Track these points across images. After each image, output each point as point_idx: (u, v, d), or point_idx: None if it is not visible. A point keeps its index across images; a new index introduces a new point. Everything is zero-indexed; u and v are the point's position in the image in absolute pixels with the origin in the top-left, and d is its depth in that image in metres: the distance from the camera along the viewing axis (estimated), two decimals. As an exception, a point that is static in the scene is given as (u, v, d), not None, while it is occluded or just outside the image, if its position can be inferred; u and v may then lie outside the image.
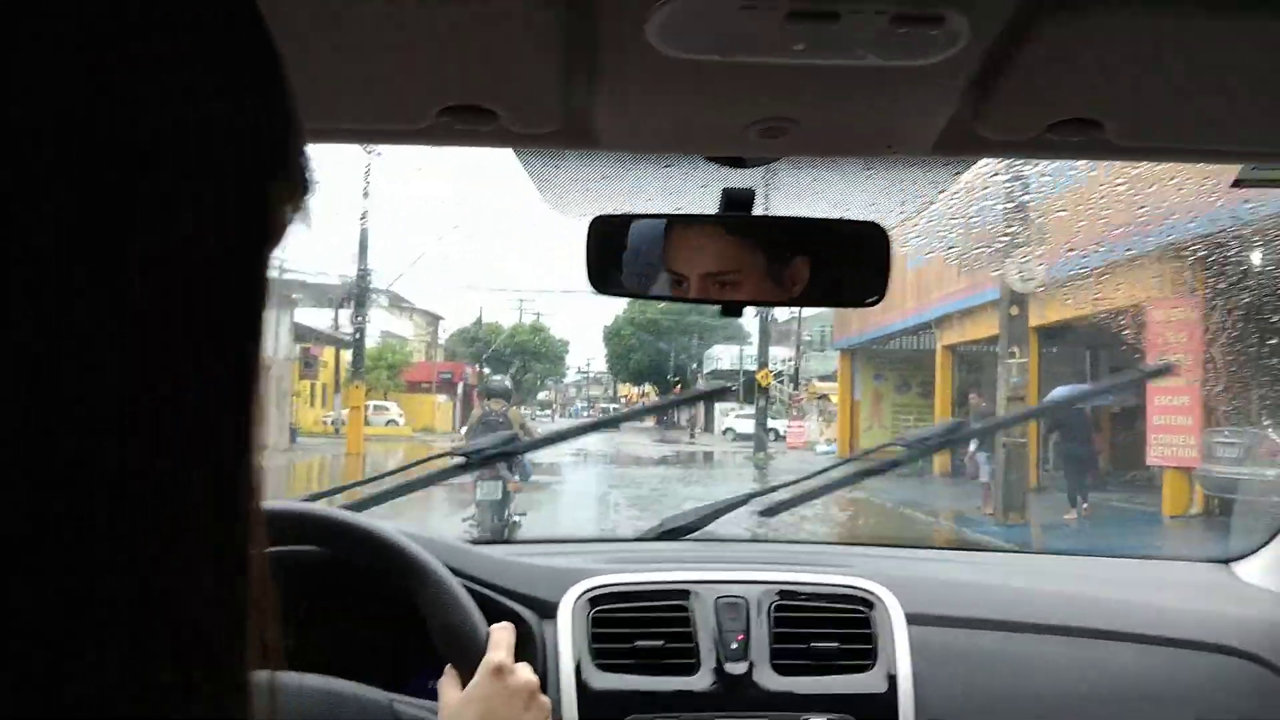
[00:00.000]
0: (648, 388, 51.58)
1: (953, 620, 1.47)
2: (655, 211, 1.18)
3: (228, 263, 0.35)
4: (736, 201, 1.09)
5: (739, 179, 1.08)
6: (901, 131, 0.93)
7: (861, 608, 1.44)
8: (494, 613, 1.28)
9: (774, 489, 1.96)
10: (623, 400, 55.81)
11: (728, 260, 1.12)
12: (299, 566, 1.34)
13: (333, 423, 29.62)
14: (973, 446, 12.86)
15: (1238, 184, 1.09)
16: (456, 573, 1.27)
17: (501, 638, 1.12)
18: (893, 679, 1.37)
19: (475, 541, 1.76)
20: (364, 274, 21.95)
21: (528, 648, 1.36)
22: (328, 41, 0.74)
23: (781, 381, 36.01)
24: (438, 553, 1.27)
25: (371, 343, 33.92)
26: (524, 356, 45.25)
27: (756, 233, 1.14)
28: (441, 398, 38.72)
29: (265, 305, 0.37)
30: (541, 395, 41.69)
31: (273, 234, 0.38)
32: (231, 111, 0.35)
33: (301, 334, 28.05)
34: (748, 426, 32.17)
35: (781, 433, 32.03)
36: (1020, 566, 1.86)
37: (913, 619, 1.43)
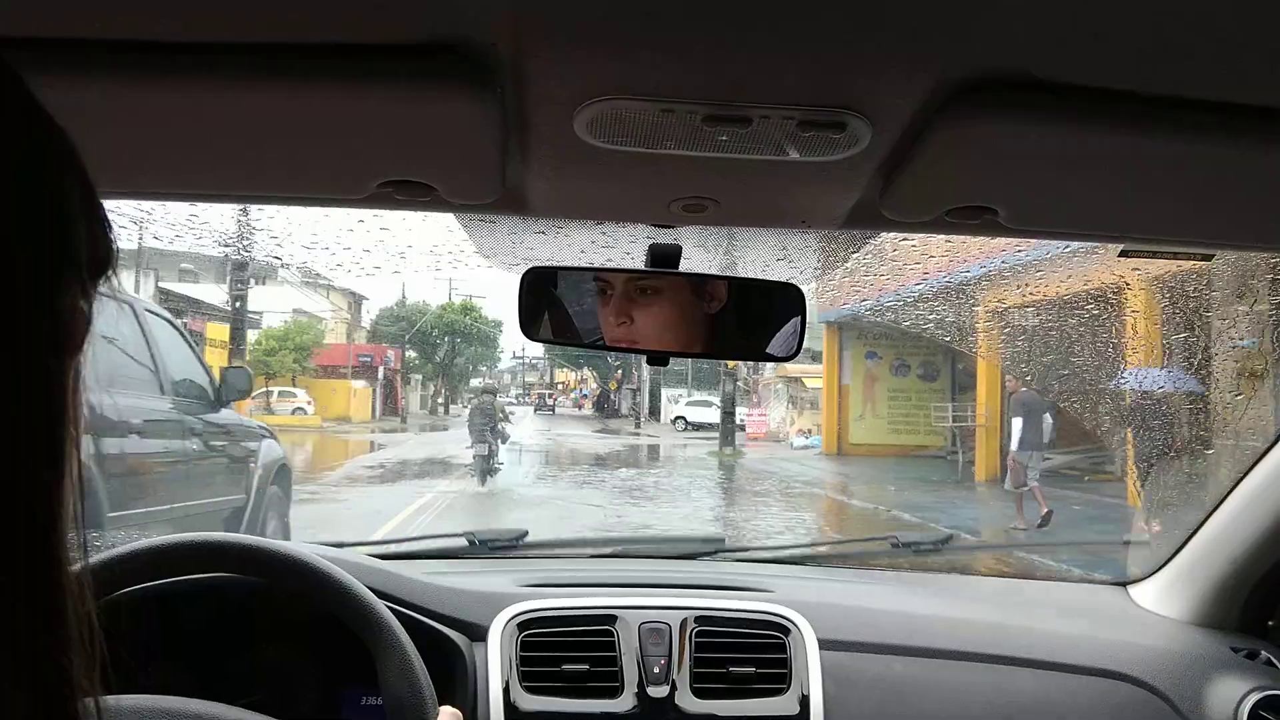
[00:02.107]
0: (587, 373, 48.08)
1: (864, 645, 1.54)
2: (585, 264, 1.22)
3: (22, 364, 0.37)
4: (662, 258, 1.14)
5: (666, 235, 1.14)
6: (813, 211, 1.00)
7: (778, 633, 1.51)
8: (425, 636, 1.33)
9: (743, 549, 2.10)
10: (559, 386, 52.27)
11: (652, 313, 1.16)
12: (220, 590, 1.36)
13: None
14: (1014, 445, 10.87)
15: (1124, 254, 1.17)
16: (388, 597, 1.31)
17: None
18: (805, 701, 1.44)
19: (411, 555, 1.78)
20: (245, 234, 20.52)
21: (458, 670, 1.42)
22: (280, 117, 0.78)
23: (736, 366, 33.90)
24: (368, 577, 1.29)
25: (280, 322, 31.71)
26: (453, 338, 41.23)
27: (681, 287, 1.17)
28: (359, 384, 34.65)
29: (71, 418, 0.39)
30: (475, 382, 38.08)
31: (68, 335, 0.40)
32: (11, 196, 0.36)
33: (179, 307, 23.51)
34: (701, 415, 30.16)
35: (739, 421, 27.77)
36: (936, 585, 1.93)
37: (826, 644, 1.50)
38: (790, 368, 24.76)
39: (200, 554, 1.24)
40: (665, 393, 36.02)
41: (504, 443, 14.44)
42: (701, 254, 1.25)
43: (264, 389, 28.21)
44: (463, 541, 1.93)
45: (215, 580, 1.33)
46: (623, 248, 1.23)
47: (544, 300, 1.18)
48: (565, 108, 0.75)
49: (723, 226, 1.11)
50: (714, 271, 1.28)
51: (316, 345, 33.69)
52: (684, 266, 1.16)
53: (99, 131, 0.74)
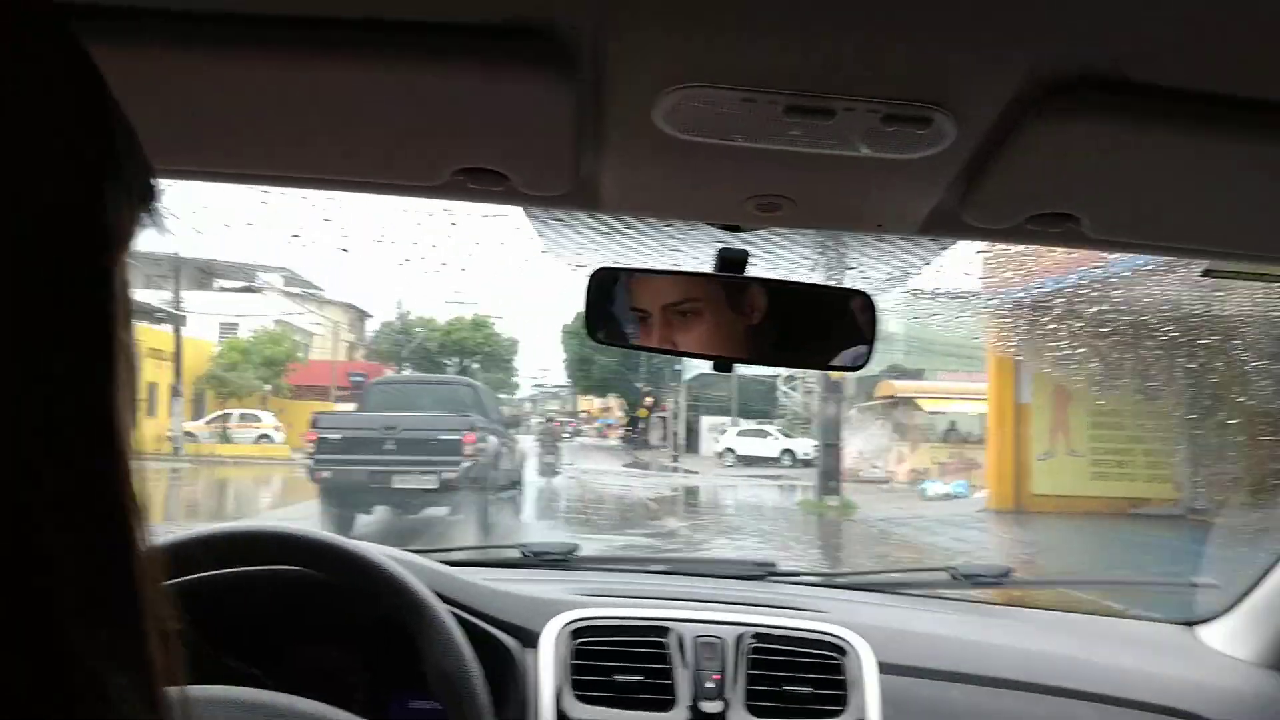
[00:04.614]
0: (612, 400, 42.39)
1: (922, 671, 1.51)
2: (653, 267, 1.22)
3: (67, 264, 0.37)
4: (731, 262, 1.13)
5: (736, 240, 1.12)
6: (890, 214, 0.98)
7: (835, 654, 1.48)
8: (478, 638, 1.32)
9: (795, 573, 1.98)
10: (583, 415, 47.37)
11: (719, 318, 1.15)
12: (279, 587, 1.38)
13: (172, 438, 21.95)
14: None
15: (1207, 274, 1.14)
16: (443, 598, 1.31)
17: None
18: None
19: (460, 563, 1.79)
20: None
21: (510, 675, 1.40)
22: (353, 96, 0.77)
23: (794, 389, 29.03)
24: (427, 578, 1.31)
25: (249, 332, 27.57)
26: (462, 357, 35.69)
27: (748, 293, 1.16)
28: (349, 407, 27.10)
29: (119, 309, 0.39)
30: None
31: (116, 238, 0.40)
32: (52, 122, 0.37)
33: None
34: (755, 447, 26.23)
35: (801, 454, 24.28)
36: (992, 616, 1.89)
37: (884, 668, 1.47)
38: (898, 385, 20.14)
39: (270, 546, 1.29)
40: (705, 421, 31.82)
41: (556, 472, 18.38)
42: (768, 261, 1.24)
43: (219, 411, 24.69)
44: (516, 553, 1.95)
45: (264, 573, 1.35)
46: (690, 252, 1.22)
47: (610, 301, 1.17)
48: (646, 95, 0.74)
49: (796, 229, 1.09)
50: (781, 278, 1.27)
51: (292, 360, 28.81)
52: (750, 273, 1.15)
53: (158, 108, 0.74)
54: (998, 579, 1.93)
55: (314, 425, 11.71)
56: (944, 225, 0.98)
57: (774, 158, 0.83)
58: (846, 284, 1.24)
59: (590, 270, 1.15)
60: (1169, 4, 0.61)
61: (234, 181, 0.98)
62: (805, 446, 24.58)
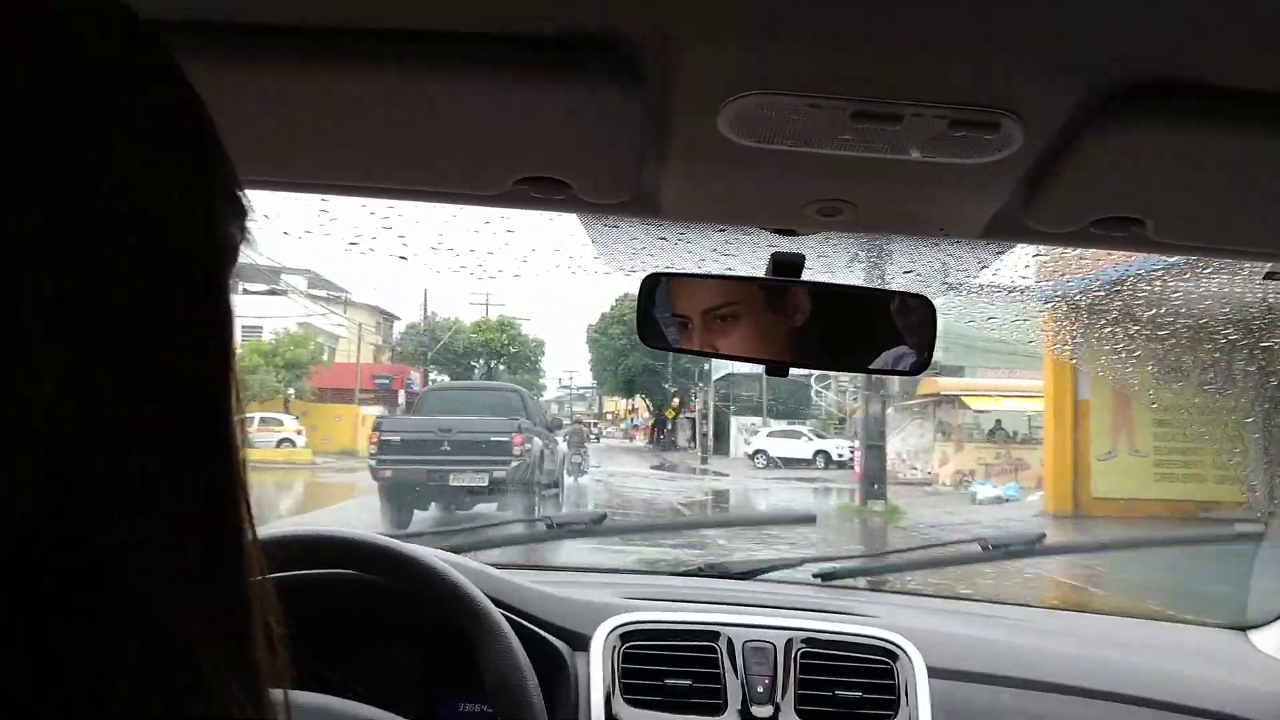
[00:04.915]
0: (638, 402, 41.89)
1: (973, 676, 1.50)
2: (705, 272, 1.22)
3: (191, 277, 0.39)
4: (786, 266, 1.13)
5: (789, 244, 1.12)
6: (953, 218, 0.98)
7: (886, 659, 1.47)
8: (529, 641, 1.33)
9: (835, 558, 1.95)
10: (609, 416, 47.44)
11: (772, 322, 1.15)
12: (329, 590, 1.39)
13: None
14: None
15: (1269, 277, 1.14)
16: (495, 601, 1.32)
17: None
18: None
19: (509, 566, 1.80)
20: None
21: (560, 678, 1.41)
22: (419, 113, 0.78)
23: (827, 388, 28.70)
24: (478, 582, 1.32)
25: (271, 335, 27.10)
26: (488, 358, 35.48)
27: (803, 297, 1.16)
28: (374, 410, 26.52)
29: (229, 319, 0.42)
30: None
31: (227, 252, 0.42)
32: (168, 154, 0.39)
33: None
34: (788, 448, 25.49)
35: (836, 455, 23.98)
36: (1041, 622, 1.88)
37: (935, 673, 1.46)
38: (941, 382, 19.05)
39: (332, 550, 1.31)
40: (734, 421, 30.99)
41: (585, 471, 18.61)
42: (821, 265, 1.23)
43: (240, 415, 24.74)
44: (541, 526, 2.00)
45: (324, 576, 1.36)
46: (744, 257, 1.22)
47: (663, 306, 1.17)
48: (711, 103, 0.74)
49: (857, 234, 1.09)
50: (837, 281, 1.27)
51: (315, 363, 28.30)
52: (805, 277, 1.14)
53: (222, 118, 0.75)
54: (1029, 547, 1.94)
55: (377, 429, 12.85)
56: (1007, 229, 0.98)
57: (836, 163, 0.83)
58: (901, 287, 1.23)
59: (642, 275, 1.16)
60: (1236, 6, 0.60)
61: (301, 191, 0.99)
62: (840, 447, 24.38)
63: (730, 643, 1.48)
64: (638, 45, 0.68)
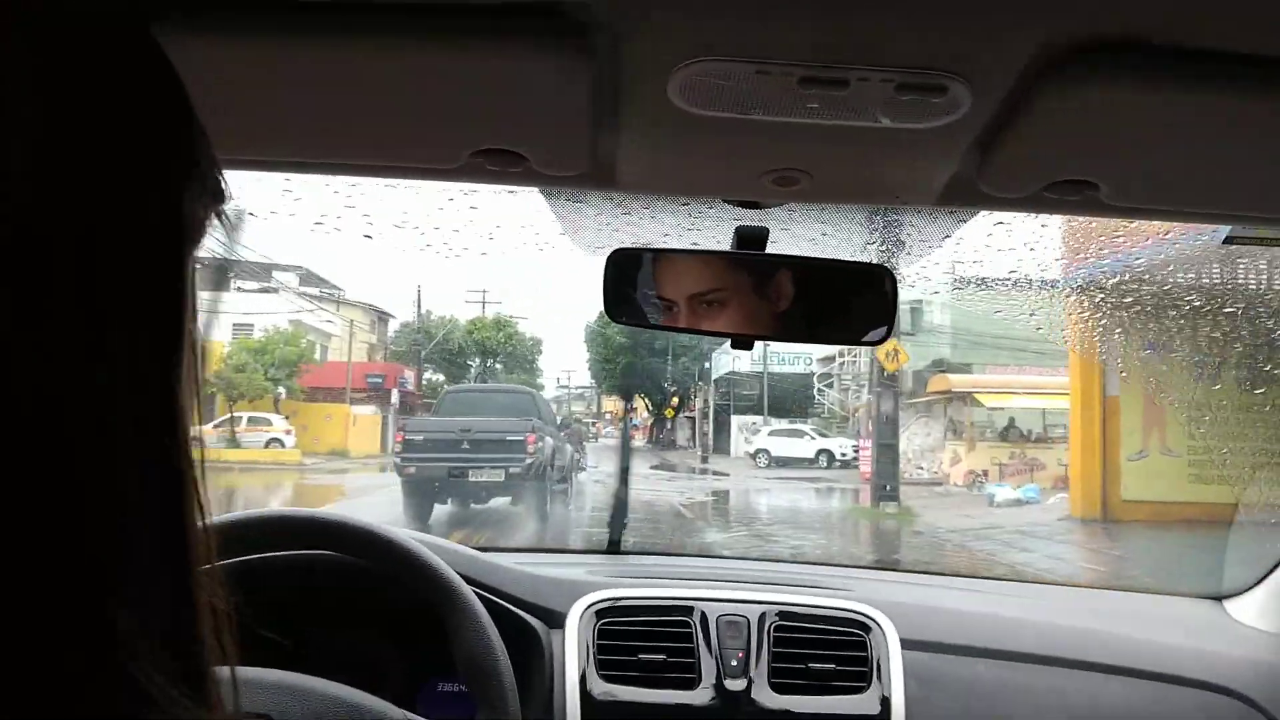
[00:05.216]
0: (637, 401, 40.99)
1: (947, 647, 1.51)
2: (671, 247, 1.23)
3: (149, 257, 0.39)
4: (750, 240, 1.14)
5: (754, 218, 1.13)
6: (907, 185, 0.99)
7: (859, 631, 1.49)
8: (505, 620, 1.35)
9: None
10: (607, 416, 47.33)
11: (739, 296, 1.16)
12: (309, 571, 1.40)
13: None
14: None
15: (1229, 241, 1.14)
16: (471, 581, 1.33)
17: None
18: (886, 702, 1.42)
19: (484, 549, 1.82)
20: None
21: (535, 656, 1.43)
22: (370, 86, 0.78)
23: (829, 385, 28.54)
24: (455, 562, 1.33)
25: (260, 333, 26.62)
26: (484, 357, 35.28)
27: (768, 270, 1.17)
28: (364, 410, 27.77)
29: (189, 298, 0.41)
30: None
31: (190, 233, 0.42)
32: (135, 120, 0.39)
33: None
34: (790, 448, 25.28)
35: (840, 455, 23.65)
36: (1017, 594, 1.89)
37: (908, 644, 1.48)
38: (953, 379, 18.53)
39: (304, 530, 1.33)
40: (735, 420, 31.09)
41: (583, 468, 18.68)
42: (787, 238, 1.24)
43: (228, 415, 23.64)
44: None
45: (299, 558, 1.37)
46: (708, 231, 1.23)
47: (629, 282, 1.19)
48: (660, 70, 0.74)
49: (814, 203, 1.10)
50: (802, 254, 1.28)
51: (306, 361, 27.36)
52: (769, 250, 1.15)
53: None
54: None
55: (402, 429, 14.22)
56: (962, 196, 0.98)
57: (790, 131, 0.83)
58: (866, 259, 1.24)
59: (608, 251, 1.17)
60: None
61: (254, 169, 0.99)
62: (843, 446, 23.83)
63: (704, 617, 1.49)
64: (585, 11, 0.68)
